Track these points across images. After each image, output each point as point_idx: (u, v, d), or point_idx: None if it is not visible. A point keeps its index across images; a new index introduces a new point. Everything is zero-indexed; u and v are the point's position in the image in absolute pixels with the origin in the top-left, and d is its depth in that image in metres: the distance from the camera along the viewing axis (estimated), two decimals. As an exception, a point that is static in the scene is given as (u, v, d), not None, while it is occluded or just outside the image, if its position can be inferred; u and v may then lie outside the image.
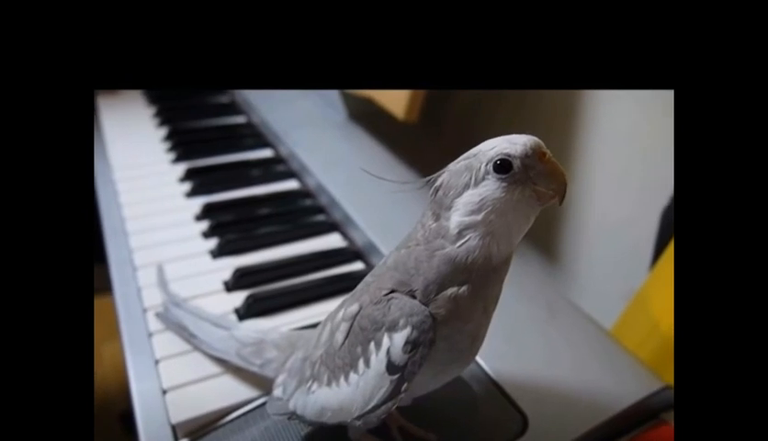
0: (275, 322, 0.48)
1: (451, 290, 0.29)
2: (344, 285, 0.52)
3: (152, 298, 0.51)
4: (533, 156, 0.28)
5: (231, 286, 0.52)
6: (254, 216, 0.63)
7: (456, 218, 0.29)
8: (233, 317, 0.49)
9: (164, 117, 0.86)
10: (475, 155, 0.29)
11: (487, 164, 0.28)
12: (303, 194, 0.67)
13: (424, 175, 0.31)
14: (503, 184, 0.28)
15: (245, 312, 0.49)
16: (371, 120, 0.75)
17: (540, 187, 0.28)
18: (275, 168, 0.73)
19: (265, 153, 0.77)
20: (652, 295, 0.51)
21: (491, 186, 0.28)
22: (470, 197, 0.28)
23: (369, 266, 0.55)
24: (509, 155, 0.28)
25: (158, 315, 0.48)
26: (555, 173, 0.28)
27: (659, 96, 0.59)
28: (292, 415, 0.35)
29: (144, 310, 0.49)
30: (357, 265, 0.55)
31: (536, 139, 0.29)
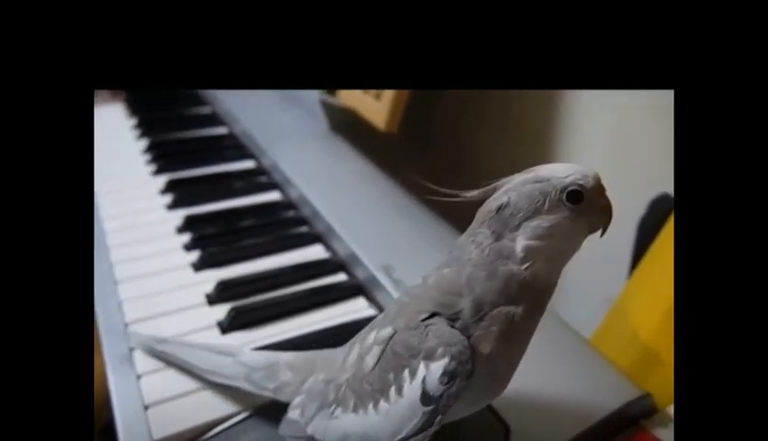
0: (258, 334, 0.48)
1: (507, 310, 0.29)
2: (328, 296, 0.52)
3: (134, 312, 0.50)
4: (597, 189, 0.30)
5: (213, 299, 0.52)
6: (237, 228, 0.63)
7: (522, 240, 0.29)
8: (216, 332, 0.49)
9: (145, 128, 0.86)
10: (548, 180, 0.29)
11: (561, 192, 0.29)
12: (286, 205, 0.67)
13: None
14: (573, 214, 0.29)
15: (228, 326, 0.49)
16: (352, 131, 0.76)
17: (594, 219, 0.30)
18: (257, 180, 0.73)
19: (247, 165, 0.77)
20: (631, 303, 0.52)
21: (561, 214, 0.29)
22: (541, 221, 0.29)
23: (352, 278, 0.55)
24: (583, 187, 0.29)
25: (142, 350, 0.46)
26: (609, 208, 0.30)
27: (643, 106, 0.59)
28: (310, 440, 0.34)
29: (126, 325, 0.49)
30: (340, 277, 0.55)
31: (597, 173, 0.30)
